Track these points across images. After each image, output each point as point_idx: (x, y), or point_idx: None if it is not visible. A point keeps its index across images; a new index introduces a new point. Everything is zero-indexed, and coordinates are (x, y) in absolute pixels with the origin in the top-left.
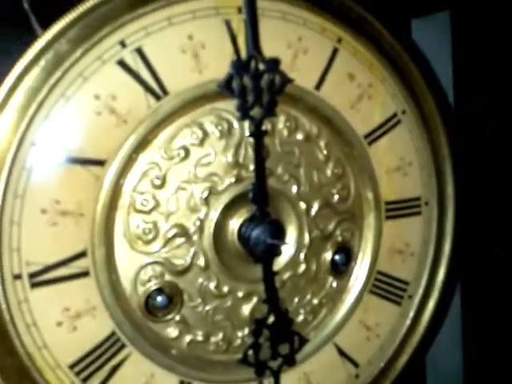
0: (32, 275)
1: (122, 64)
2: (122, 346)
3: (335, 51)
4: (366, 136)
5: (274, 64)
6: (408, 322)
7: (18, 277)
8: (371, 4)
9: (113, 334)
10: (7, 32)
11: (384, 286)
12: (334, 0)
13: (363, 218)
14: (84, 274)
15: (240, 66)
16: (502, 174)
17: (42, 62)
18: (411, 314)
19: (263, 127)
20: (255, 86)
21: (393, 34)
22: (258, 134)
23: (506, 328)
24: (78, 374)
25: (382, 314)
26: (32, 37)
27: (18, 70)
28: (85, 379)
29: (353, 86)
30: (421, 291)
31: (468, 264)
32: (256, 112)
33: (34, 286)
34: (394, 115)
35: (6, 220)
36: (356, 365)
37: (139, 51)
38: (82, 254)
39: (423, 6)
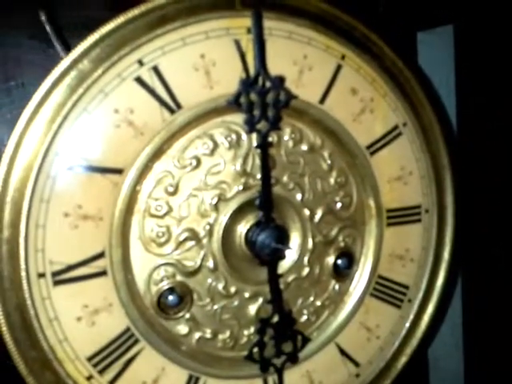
0: (55, 274)
1: (140, 81)
2: (136, 341)
3: (339, 67)
4: (368, 147)
5: (278, 81)
6: (407, 324)
7: (42, 275)
8: (378, 18)
9: (127, 329)
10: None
11: (384, 289)
12: (338, 20)
13: (365, 224)
14: (102, 273)
15: (247, 84)
16: (502, 176)
17: (67, 80)
18: (411, 317)
19: (269, 139)
20: (261, 102)
21: (398, 47)
22: (264, 146)
23: (506, 329)
24: (95, 365)
25: (383, 316)
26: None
27: (45, 87)
28: (101, 371)
29: (355, 100)
30: (420, 295)
31: (469, 266)
32: (262, 125)
33: (56, 283)
34: (396, 127)
35: (32, 223)
36: (357, 364)
37: (155, 69)
38: (100, 255)
39: (428, 20)
